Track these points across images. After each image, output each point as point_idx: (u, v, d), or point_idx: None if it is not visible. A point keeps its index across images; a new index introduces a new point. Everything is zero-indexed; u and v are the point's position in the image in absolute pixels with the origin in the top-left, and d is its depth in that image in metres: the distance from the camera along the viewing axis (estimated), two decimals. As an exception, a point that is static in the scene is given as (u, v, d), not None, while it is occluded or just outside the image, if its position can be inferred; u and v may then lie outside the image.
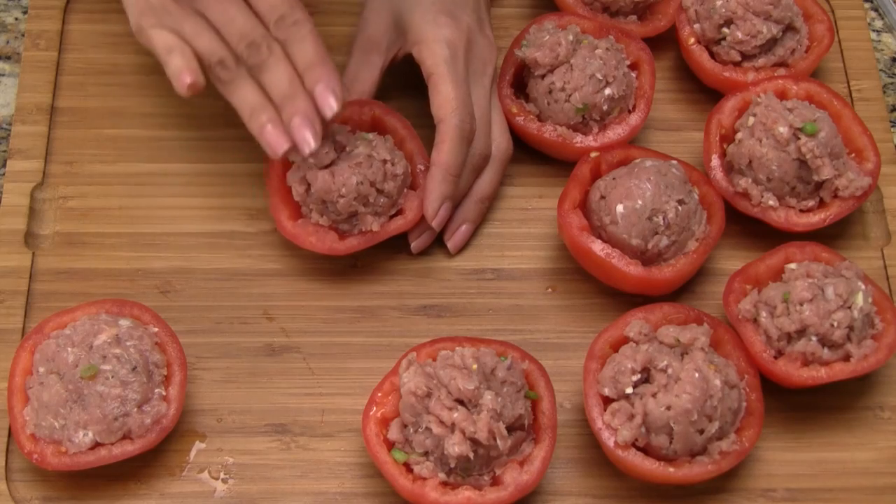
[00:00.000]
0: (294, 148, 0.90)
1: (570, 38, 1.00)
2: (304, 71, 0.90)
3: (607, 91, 1.00)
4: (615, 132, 1.02)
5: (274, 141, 0.89)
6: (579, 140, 1.01)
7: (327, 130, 0.93)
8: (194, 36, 0.89)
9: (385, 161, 0.95)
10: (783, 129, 0.96)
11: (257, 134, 0.90)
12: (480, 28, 1.02)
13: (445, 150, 0.96)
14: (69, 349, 0.87)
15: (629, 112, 1.03)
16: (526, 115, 1.02)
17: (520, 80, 1.05)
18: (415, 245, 0.99)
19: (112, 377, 0.86)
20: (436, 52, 0.97)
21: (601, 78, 1.00)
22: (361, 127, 0.99)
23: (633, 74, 1.04)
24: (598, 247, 0.94)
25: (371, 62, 1.01)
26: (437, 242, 1.00)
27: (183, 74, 0.88)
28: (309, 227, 0.96)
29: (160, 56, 0.90)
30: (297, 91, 0.90)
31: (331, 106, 0.90)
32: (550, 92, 1.01)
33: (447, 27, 0.98)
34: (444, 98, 0.96)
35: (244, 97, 0.90)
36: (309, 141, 0.89)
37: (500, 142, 1.01)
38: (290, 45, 0.90)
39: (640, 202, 0.94)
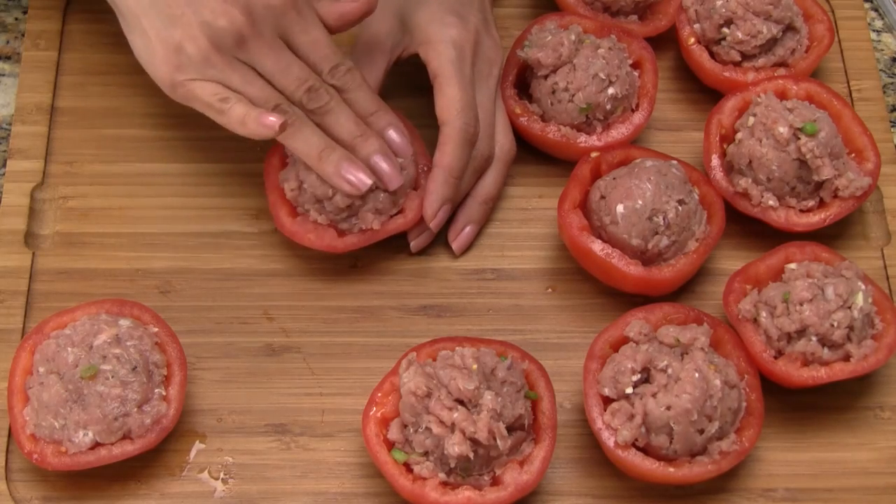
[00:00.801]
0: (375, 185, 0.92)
1: (573, 37, 1.00)
2: (369, 116, 0.93)
3: (610, 90, 1.00)
4: (619, 131, 1.02)
5: (355, 176, 0.91)
6: (583, 140, 1.01)
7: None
8: (244, 84, 0.89)
9: None
10: (783, 129, 0.96)
11: (333, 173, 0.91)
12: (486, 29, 1.02)
13: (448, 151, 0.96)
14: (69, 349, 0.87)
15: (632, 111, 1.03)
16: (529, 116, 1.02)
17: (522, 80, 1.05)
18: (414, 244, 0.99)
19: (112, 377, 0.86)
20: (442, 52, 0.97)
21: (604, 77, 1.00)
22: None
23: (636, 73, 1.04)
24: (598, 247, 0.94)
25: (374, 62, 1.00)
26: (438, 243, 1.00)
27: (263, 116, 0.88)
28: (308, 225, 0.96)
29: (212, 106, 0.89)
30: (367, 131, 0.92)
31: (405, 147, 0.94)
32: (554, 92, 1.01)
33: (454, 27, 0.98)
34: (449, 100, 0.96)
35: (308, 140, 0.91)
36: (393, 176, 0.93)
37: (504, 143, 1.01)
38: (348, 93, 0.93)
39: (640, 202, 0.94)
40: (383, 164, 0.93)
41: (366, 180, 0.91)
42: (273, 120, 0.88)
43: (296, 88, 0.91)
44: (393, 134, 0.94)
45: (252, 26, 0.88)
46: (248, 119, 0.88)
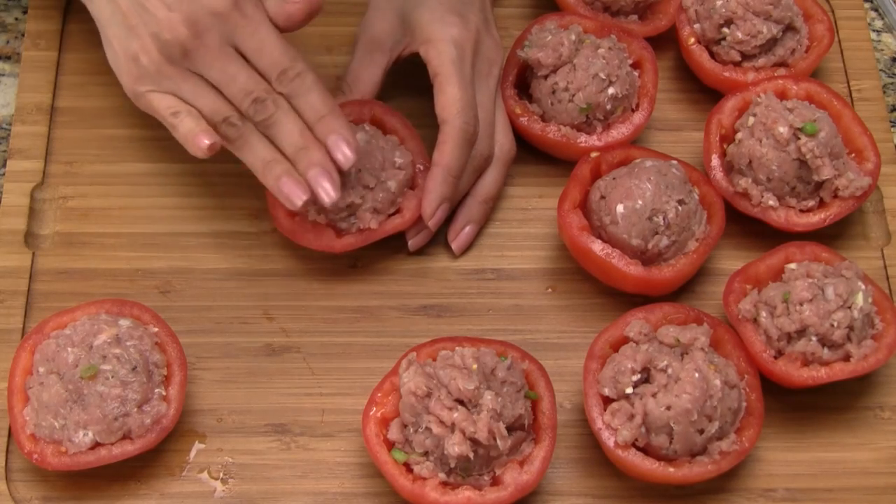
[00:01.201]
0: (311, 199, 0.90)
1: (573, 37, 1.00)
2: (315, 122, 0.90)
3: (611, 90, 1.00)
4: (619, 131, 1.02)
5: (291, 192, 0.89)
6: (583, 140, 1.01)
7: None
8: (195, 96, 0.89)
9: (383, 149, 0.95)
10: (783, 129, 0.96)
11: (273, 187, 0.90)
12: (487, 28, 1.02)
13: (448, 151, 0.96)
14: (69, 349, 0.87)
15: (632, 111, 1.03)
16: (529, 116, 1.02)
17: (522, 80, 1.05)
18: (412, 243, 0.99)
19: (112, 377, 0.86)
20: (443, 51, 0.97)
21: (604, 77, 1.00)
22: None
23: (636, 73, 1.04)
24: (598, 247, 0.94)
25: (374, 61, 1.00)
26: (437, 243, 1.00)
27: (199, 137, 0.88)
28: (306, 224, 0.96)
29: (165, 120, 0.89)
30: (310, 142, 0.90)
31: (346, 154, 0.90)
32: (554, 92, 1.01)
33: (455, 26, 0.98)
34: (450, 99, 0.96)
35: (255, 152, 0.90)
36: (329, 191, 0.89)
37: (504, 143, 1.01)
38: (296, 98, 0.90)
39: (640, 202, 0.94)
40: (320, 180, 0.89)
41: (301, 196, 0.89)
42: (205, 142, 0.88)
43: (242, 100, 0.89)
44: (334, 141, 0.90)
45: (196, 37, 0.87)
46: (188, 137, 0.88)
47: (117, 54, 0.90)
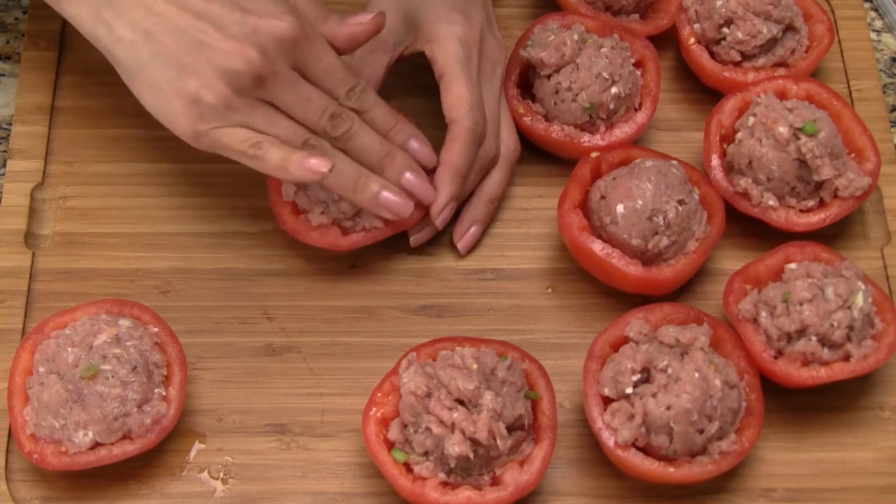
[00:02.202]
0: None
1: (575, 37, 1.00)
2: (388, 132, 0.93)
3: (614, 90, 1.00)
4: (622, 130, 1.02)
5: (397, 205, 0.91)
6: (587, 139, 1.01)
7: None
8: (270, 125, 0.88)
9: None
10: (783, 129, 0.96)
11: (372, 203, 0.91)
12: (490, 28, 1.02)
13: (456, 150, 0.96)
14: (69, 349, 0.87)
15: (635, 110, 1.03)
16: (533, 116, 1.02)
17: (525, 80, 1.05)
18: (414, 239, 0.99)
19: (112, 377, 0.86)
20: (449, 50, 0.97)
21: (607, 77, 1.00)
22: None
23: (638, 73, 1.04)
24: (598, 247, 0.94)
25: (376, 60, 1.00)
26: (438, 243, 1.00)
27: (308, 161, 0.87)
28: (311, 223, 0.96)
29: (244, 154, 0.87)
30: (392, 148, 0.92)
31: (429, 155, 0.94)
32: (557, 92, 1.01)
33: (460, 25, 0.98)
34: (458, 98, 0.96)
35: (342, 171, 0.89)
36: (426, 190, 0.93)
37: (509, 142, 1.01)
38: (366, 113, 0.92)
39: (640, 202, 0.94)
40: (414, 181, 0.93)
41: (409, 204, 0.92)
42: (316, 163, 0.87)
43: (318, 118, 0.89)
44: (415, 144, 0.94)
45: (268, 64, 0.86)
46: (290, 164, 0.87)
47: (168, 97, 0.86)
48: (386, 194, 0.91)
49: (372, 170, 0.92)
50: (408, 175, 0.93)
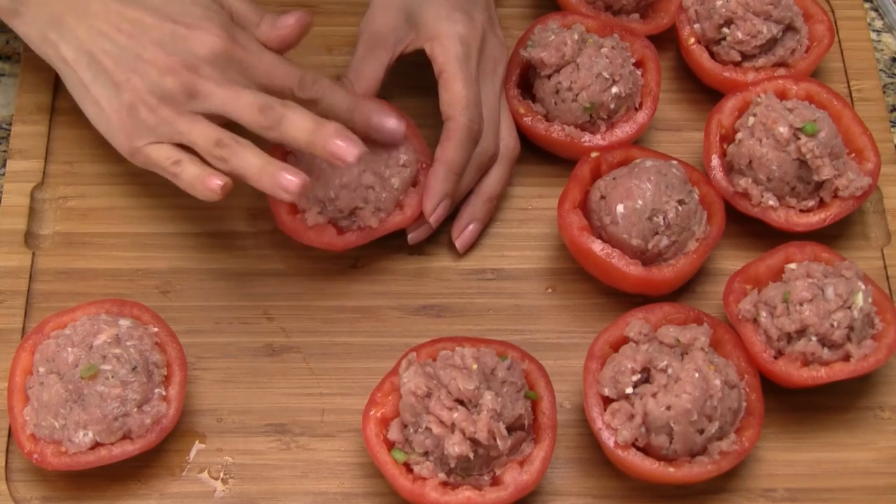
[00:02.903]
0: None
1: (576, 37, 1.00)
2: (351, 113, 0.92)
3: (614, 89, 1.00)
4: (623, 130, 1.02)
5: (286, 181, 0.86)
6: (587, 139, 1.01)
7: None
8: (189, 130, 0.88)
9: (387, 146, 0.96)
10: (783, 129, 0.96)
11: (269, 183, 0.87)
12: (492, 27, 1.02)
13: (451, 147, 0.96)
14: (69, 349, 0.87)
15: (636, 110, 1.03)
16: (533, 116, 1.02)
17: (525, 80, 1.05)
18: (412, 237, 0.98)
19: (112, 377, 0.86)
20: (449, 48, 0.97)
21: (608, 76, 1.00)
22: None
23: (639, 72, 1.04)
24: (598, 247, 0.94)
25: (377, 58, 1.00)
26: (438, 243, 1.00)
27: (209, 180, 0.88)
28: (307, 222, 0.96)
29: (166, 171, 0.89)
30: (322, 121, 0.88)
31: (395, 124, 0.93)
32: (557, 92, 1.01)
33: (462, 24, 0.98)
34: (455, 96, 0.96)
35: (248, 161, 0.87)
36: (353, 151, 0.87)
37: (508, 141, 1.01)
38: (323, 100, 0.91)
39: (640, 202, 0.94)
40: (336, 141, 0.87)
41: (294, 183, 0.87)
42: (217, 183, 0.88)
43: (249, 113, 0.88)
44: (378, 119, 0.93)
45: (197, 78, 0.88)
46: (197, 183, 0.88)
47: (107, 114, 0.90)
48: (280, 173, 0.87)
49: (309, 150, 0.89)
50: (330, 141, 0.87)
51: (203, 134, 0.89)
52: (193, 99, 0.88)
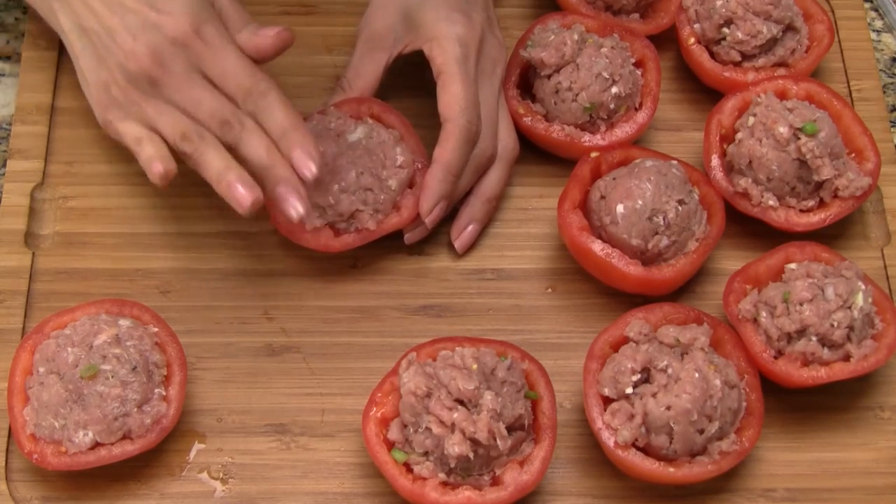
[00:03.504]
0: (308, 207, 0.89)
1: (576, 37, 1.00)
2: (279, 138, 0.89)
3: (614, 89, 1.00)
4: (623, 130, 1.02)
5: (240, 195, 0.87)
6: (587, 139, 1.01)
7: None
8: (158, 116, 0.89)
9: (384, 143, 0.95)
10: (783, 129, 0.96)
11: (225, 193, 0.88)
12: (490, 27, 1.02)
13: (448, 148, 0.95)
14: (69, 349, 0.87)
15: (636, 110, 1.03)
16: (533, 116, 1.02)
17: (525, 80, 1.05)
18: (408, 237, 0.98)
19: (112, 377, 0.86)
20: (447, 49, 0.97)
21: (608, 76, 1.00)
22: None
23: (639, 72, 1.04)
24: (598, 247, 0.94)
25: (375, 58, 1.00)
26: (438, 243, 1.00)
27: (154, 164, 0.88)
28: (307, 227, 0.95)
29: (131, 148, 0.90)
30: (276, 160, 0.88)
31: (310, 169, 0.88)
32: (557, 92, 1.01)
33: (460, 25, 0.98)
34: (453, 97, 0.96)
35: (211, 164, 0.88)
36: (297, 207, 0.88)
37: (507, 142, 1.01)
38: (261, 116, 0.89)
39: (640, 202, 0.94)
40: (288, 198, 0.88)
41: (247, 198, 0.86)
42: (156, 168, 0.88)
43: (208, 122, 0.88)
44: (298, 157, 0.88)
45: (160, 66, 0.88)
46: (147, 165, 0.88)
47: (88, 84, 0.92)
48: (236, 184, 0.87)
49: (256, 177, 0.89)
50: (279, 189, 0.88)
51: (170, 123, 0.89)
52: (156, 87, 0.89)
